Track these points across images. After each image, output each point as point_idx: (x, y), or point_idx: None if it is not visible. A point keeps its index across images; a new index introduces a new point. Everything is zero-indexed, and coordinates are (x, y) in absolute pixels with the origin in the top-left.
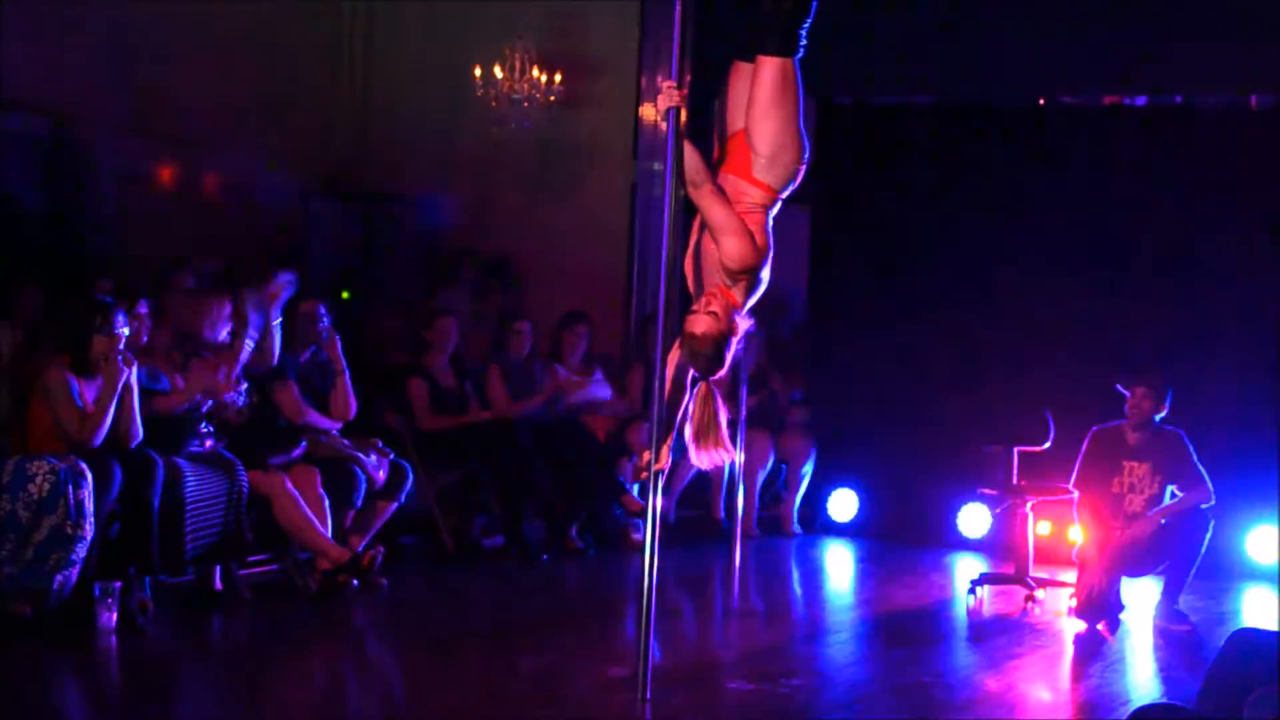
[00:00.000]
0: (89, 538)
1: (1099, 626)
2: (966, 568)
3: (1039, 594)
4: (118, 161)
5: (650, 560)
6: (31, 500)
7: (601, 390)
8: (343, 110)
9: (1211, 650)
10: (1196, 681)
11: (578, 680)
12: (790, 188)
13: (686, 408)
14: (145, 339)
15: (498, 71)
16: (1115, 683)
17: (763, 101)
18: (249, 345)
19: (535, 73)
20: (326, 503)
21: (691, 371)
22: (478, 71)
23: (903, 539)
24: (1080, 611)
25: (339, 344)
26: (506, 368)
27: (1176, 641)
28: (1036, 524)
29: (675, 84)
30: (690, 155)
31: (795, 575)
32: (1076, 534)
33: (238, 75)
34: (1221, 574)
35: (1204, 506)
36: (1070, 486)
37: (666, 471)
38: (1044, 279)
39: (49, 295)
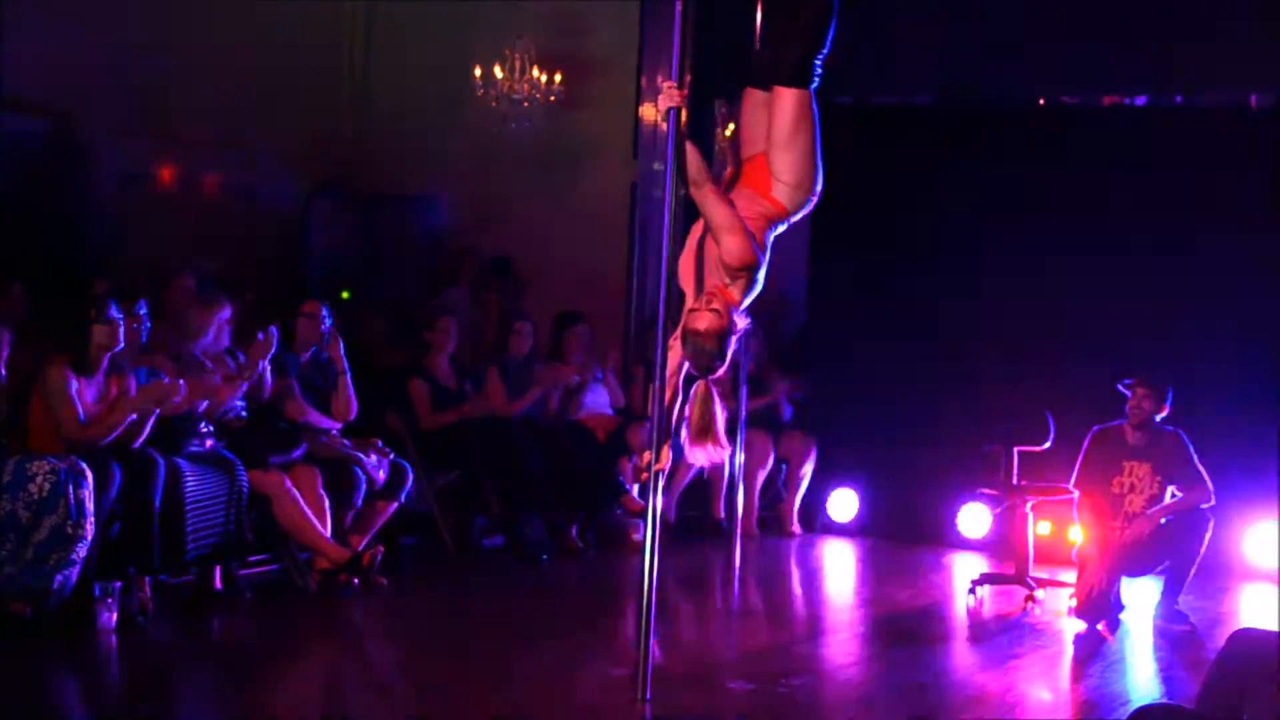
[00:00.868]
0: (89, 538)
1: (1099, 626)
2: (966, 568)
3: (1039, 594)
4: (118, 161)
5: (650, 560)
6: (31, 500)
7: (599, 397)
8: (343, 110)
9: (1211, 650)
10: (1196, 681)
11: (578, 680)
12: (802, 212)
13: (684, 406)
14: (145, 339)
15: (498, 71)
16: (1115, 683)
17: (783, 132)
18: (243, 388)
19: (535, 73)
20: (327, 503)
21: (691, 370)
22: (478, 71)
23: (903, 539)
24: (1080, 611)
25: (340, 344)
26: (506, 367)
27: (1176, 641)
28: (1036, 524)
29: (675, 84)
30: (691, 155)
31: (795, 575)
32: (1076, 534)
33: (238, 75)
34: (1221, 574)
35: (1204, 506)
36: (1070, 486)
37: (666, 471)
38: (1044, 278)
39: (36, 294)
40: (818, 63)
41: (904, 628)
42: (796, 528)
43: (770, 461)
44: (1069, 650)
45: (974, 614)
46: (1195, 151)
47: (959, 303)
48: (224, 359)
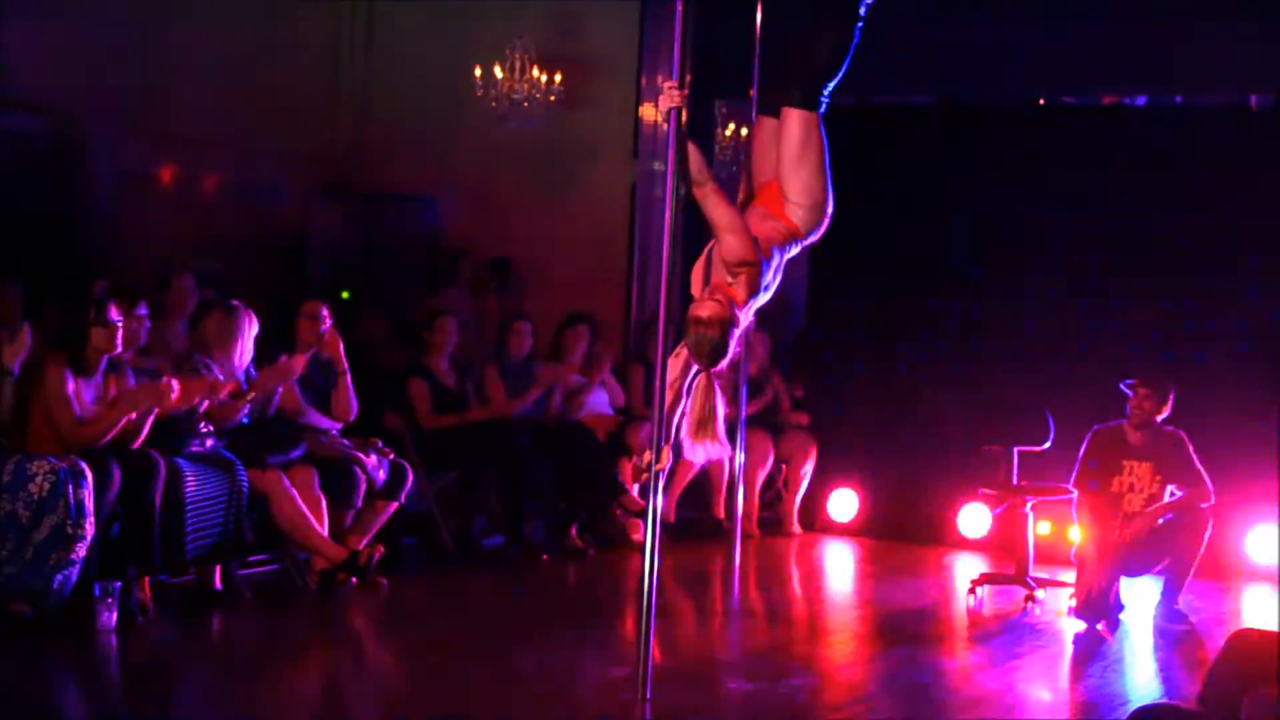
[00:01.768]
0: (89, 537)
1: (1099, 626)
2: (966, 568)
3: (1039, 594)
4: (118, 161)
5: (650, 560)
6: (31, 500)
7: (599, 397)
8: (343, 110)
9: (1211, 650)
10: (1196, 681)
11: (578, 680)
12: (815, 234)
13: (685, 401)
14: (144, 339)
15: (498, 71)
16: (1115, 683)
17: (792, 153)
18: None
19: (535, 73)
20: (324, 503)
21: (693, 370)
22: (478, 71)
23: (903, 539)
24: (1080, 611)
25: (340, 345)
26: (505, 367)
27: (1176, 641)
28: (1036, 524)
29: (675, 84)
30: (693, 155)
31: (795, 575)
32: (1076, 534)
33: (238, 75)
34: (1221, 574)
35: (1203, 506)
36: (1070, 486)
37: (667, 471)
38: (1044, 278)
39: (34, 294)
40: (828, 90)
41: (904, 628)
42: (796, 528)
43: (770, 461)
44: (1069, 650)
45: (974, 614)
46: (1195, 151)
47: (959, 303)
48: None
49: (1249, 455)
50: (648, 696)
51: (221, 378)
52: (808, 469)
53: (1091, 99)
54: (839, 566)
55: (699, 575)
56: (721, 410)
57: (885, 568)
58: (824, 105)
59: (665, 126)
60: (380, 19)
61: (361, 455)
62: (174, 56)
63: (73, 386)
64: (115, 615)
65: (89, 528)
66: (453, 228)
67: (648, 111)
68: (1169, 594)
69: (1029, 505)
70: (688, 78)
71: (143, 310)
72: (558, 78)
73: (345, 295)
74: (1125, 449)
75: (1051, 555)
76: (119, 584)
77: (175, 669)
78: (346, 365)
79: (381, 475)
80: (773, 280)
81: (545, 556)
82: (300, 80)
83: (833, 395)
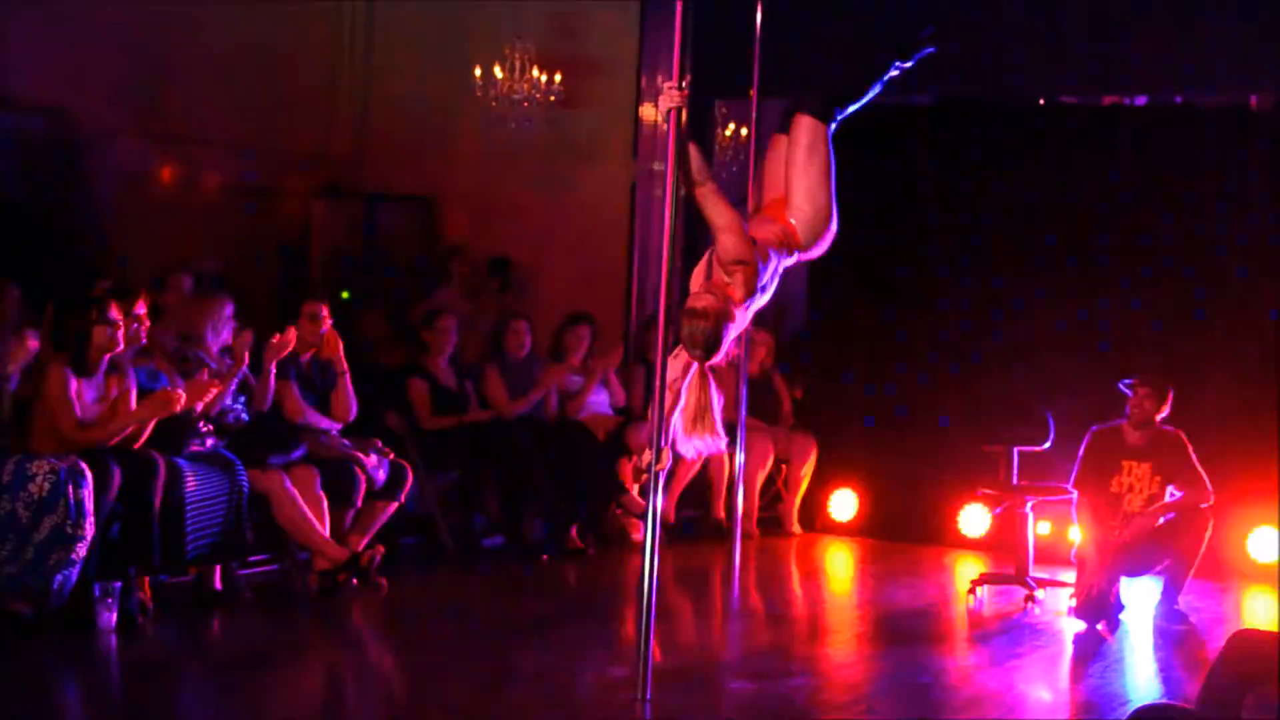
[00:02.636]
0: (89, 538)
1: (1099, 626)
2: (966, 568)
3: (1039, 594)
4: (118, 161)
5: (650, 560)
6: (31, 500)
7: (599, 397)
8: (343, 110)
9: (1211, 650)
10: (1196, 681)
11: (578, 680)
12: (818, 248)
13: (681, 395)
14: (145, 339)
15: (498, 71)
16: (1115, 683)
17: (799, 157)
18: (240, 403)
19: (535, 73)
20: (325, 503)
21: (692, 369)
22: (478, 71)
23: (903, 539)
24: (1080, 611)
25: (340, 345)
26: (505, 367)
27: (1176, 641)
28: (1036, 524)
29: (675, 84)
30: (693, 154)
31: (795, 575)
32: (1076, 534)
33: (238, 75)
34: (1221, 574)
35: (1203, 506)
36: (1070, 486)
37: (667, 471)
38: (1044, 278)
39: (34, 295)
40: (844, 107)
41: (904, 628)
42: (796, 528)
43: (770, 461)
44: (1069, 650)
45: (974, 614)
46: (1195, 151)
47: (959, 303)
48: (222, 358)
49: (1249, 455)
50: (648, 696)
51: (215, 366)
52: (808, 469)
53: (1091, 99)
54: (839, 566)
55: (699, 575)
56: (718, 403)
57: (885, 568)
58: (835, 124)
59: (665, 126)
60: (380, 19)
61: (361, 455)
62: (174, 57)
63: (74, 387)
64: (115, 615)
65: (89, 528)
66: (453, 228)
67: (648, 111)
68: (1169, 594)
69: (1029, 505)
70: (688, 78)
71: (142, 310)
72: (558, 78)
73: (345, 295)
74: (1125, 449)
75: (1051, 555)
76: (119, 584)
77: (175, 669)
78: (346, 365)
79: (381, 475)
80: (770, 282)
81: (545, 556)
82: (300, 80)
83: (833, 395)
